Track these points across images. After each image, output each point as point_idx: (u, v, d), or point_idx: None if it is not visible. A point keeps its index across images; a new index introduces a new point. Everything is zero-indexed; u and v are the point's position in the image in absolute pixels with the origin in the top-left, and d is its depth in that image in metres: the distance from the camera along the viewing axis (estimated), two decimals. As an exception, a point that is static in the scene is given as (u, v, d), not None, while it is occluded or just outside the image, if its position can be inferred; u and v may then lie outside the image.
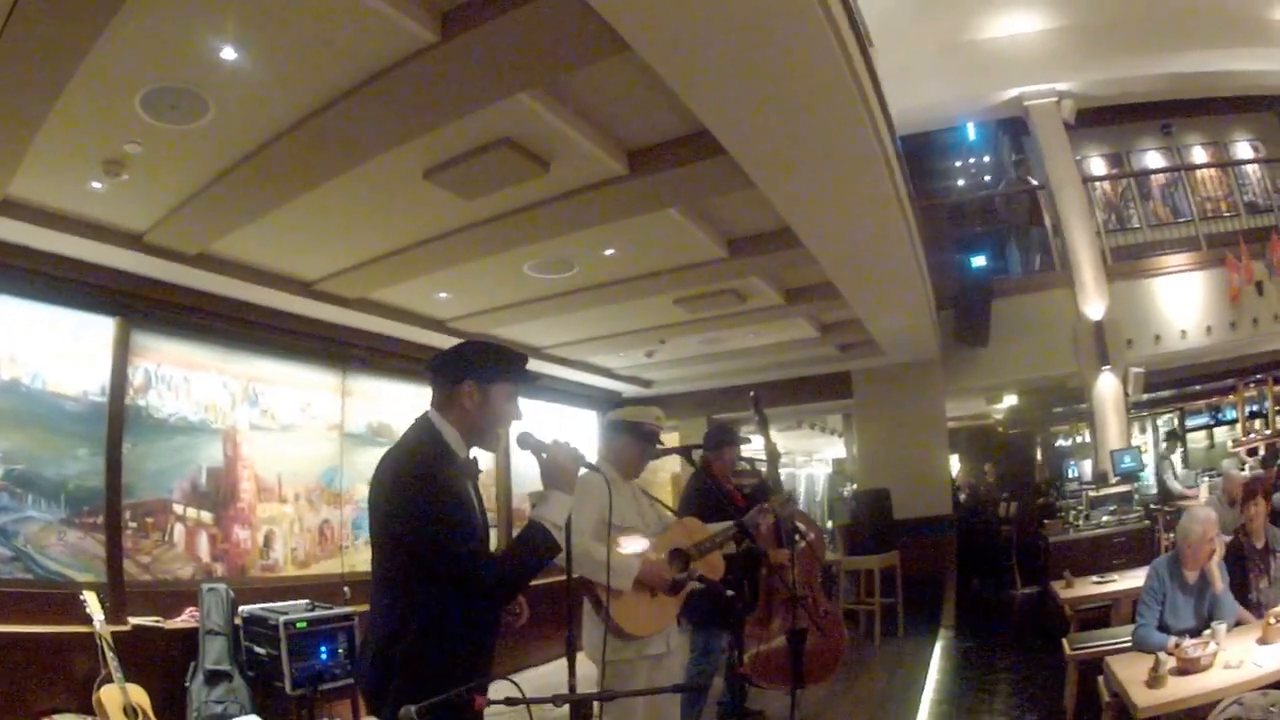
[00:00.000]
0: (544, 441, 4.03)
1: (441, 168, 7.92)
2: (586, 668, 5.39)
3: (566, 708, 3.39)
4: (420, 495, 3.71)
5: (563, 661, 4.24)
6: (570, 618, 4.09)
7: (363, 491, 4.05)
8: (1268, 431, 18.78)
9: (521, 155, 7.72)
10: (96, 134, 6.87)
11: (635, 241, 10.34)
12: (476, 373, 4.03)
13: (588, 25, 5.47)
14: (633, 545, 5.70)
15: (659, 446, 6.58)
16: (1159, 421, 22.56)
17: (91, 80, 5.91)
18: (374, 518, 3.95)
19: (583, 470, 4.13)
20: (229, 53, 5.90)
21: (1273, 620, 6.71)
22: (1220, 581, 7.32)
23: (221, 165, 7.57)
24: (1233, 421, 19.85)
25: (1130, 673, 6.71)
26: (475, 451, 4.14)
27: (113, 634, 8.35)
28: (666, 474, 14.22)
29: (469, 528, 3.82)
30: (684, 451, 7.15)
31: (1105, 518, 14.60)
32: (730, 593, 6.40)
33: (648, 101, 7.12)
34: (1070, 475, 21.70)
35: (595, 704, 3.47)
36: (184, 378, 10.32)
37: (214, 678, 9.08)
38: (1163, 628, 7.25)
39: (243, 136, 7.14)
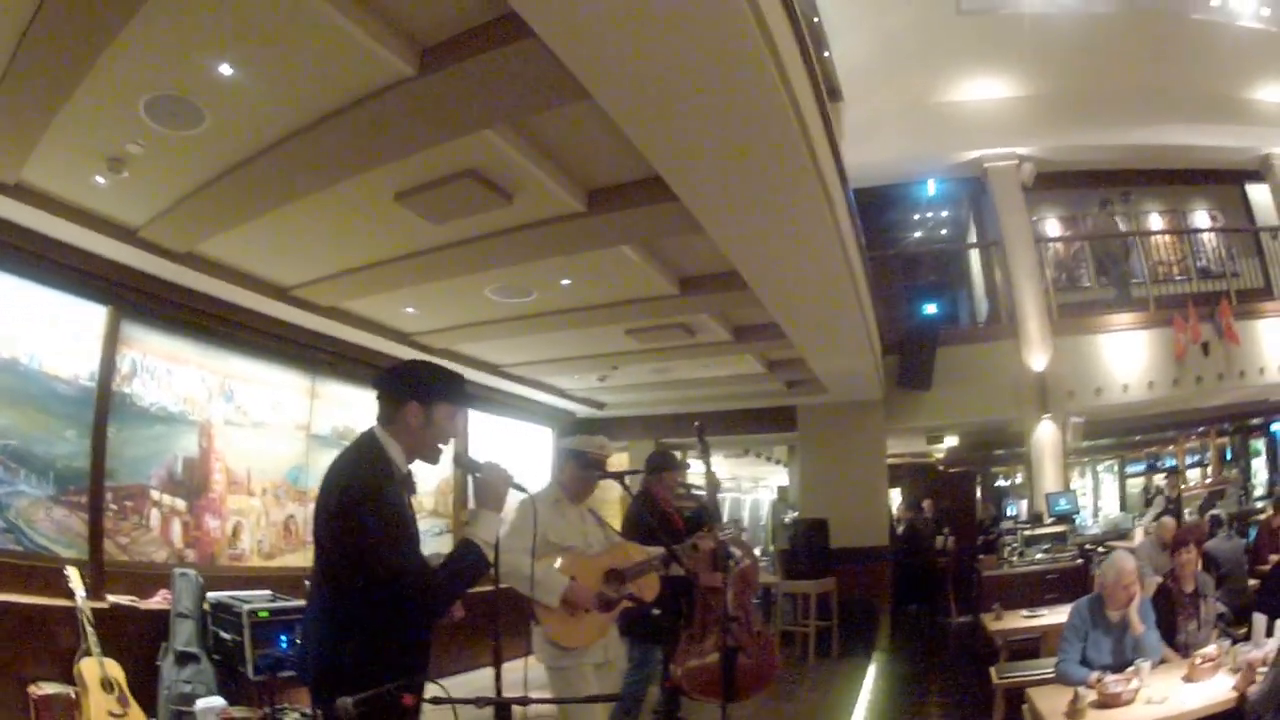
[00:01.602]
0: (478, 462, 4.38)
1: (411, 192, 8.31)
2: (537, 671, 6.03)
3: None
4: (365, 511, 3.96)
5: (516, 663, 4.78)
6: (497, 627, 4.25)
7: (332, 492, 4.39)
8: (1207, 480, 19.39)
9: (486, 187, 8.13)
10: (102, 132, 7.21)
11: (591, 274, 10.75)
12: (420, 393, 4.31)
13: (555, 73, 5.79)
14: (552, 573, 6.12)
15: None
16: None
17: (101, 83, 6.31)
18: (319, 524, 4.23)
19: (514, 494, 4.47)
20: (226, 69, 6.34)
21: (1198, 661, 6.90)
22: (1140, 624, 7.43)
23: (213, 172, 7.93)
24: (1172, 470, 20.28)
25: (1051, 705, 6.80)
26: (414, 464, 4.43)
27: (93, 610, 8.63)
28: (616, 494, 14.70)
29: (408, 542, 4.09)
30: (618, 477, 7.62)
31: (1039, 555, 15.00)
32: (656, 611, 6.95)
33: (608, 145, 7.41)
34: (1010, 513, 22.07)
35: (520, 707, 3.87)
36: (166, 370, 10.66)
37: (183, 659, 9.29)
38: (1085, 663, 7.35)
39: (234, 147, 7.52)
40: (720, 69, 5.87)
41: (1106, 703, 6.53)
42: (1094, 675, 6.91)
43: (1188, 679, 6.84)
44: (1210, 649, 7.02)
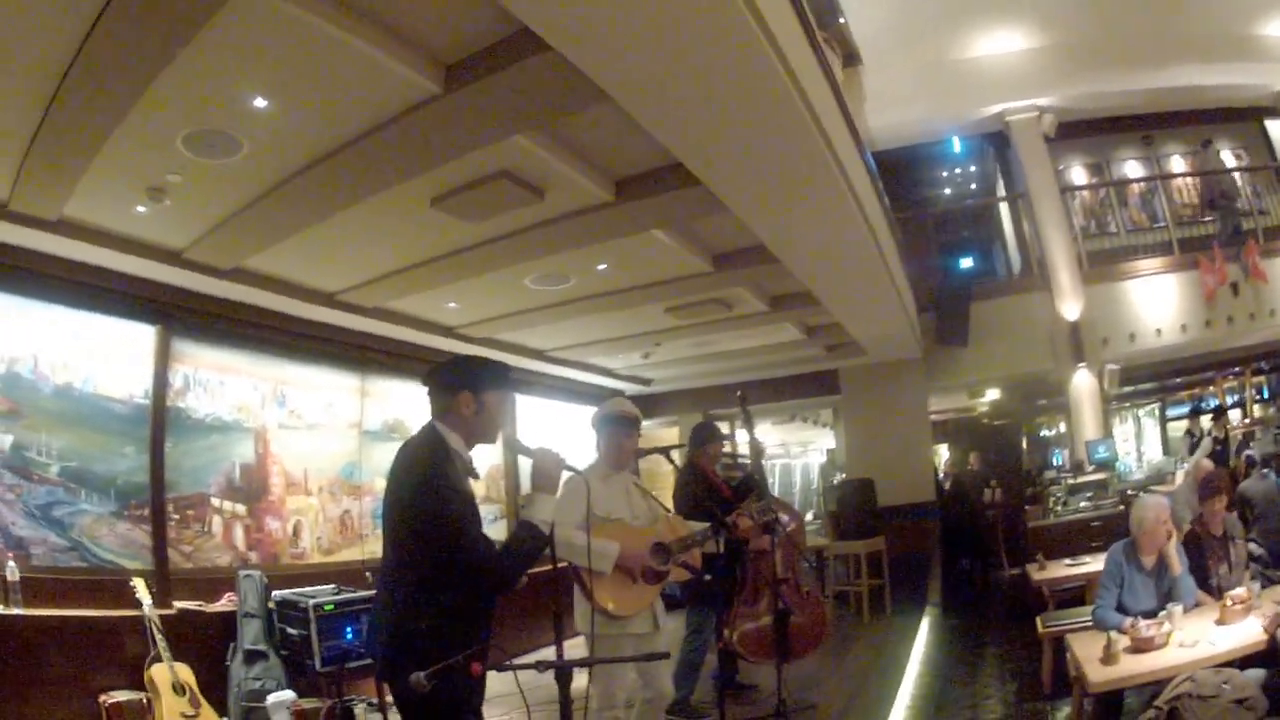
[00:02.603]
0: (529, 446, 4.67)
1: (447, 196, 8.53)
2: (581, 643, 6.18)
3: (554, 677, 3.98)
4: (437, 501, 4.30)
5: (575, 640, 5.00)
6: (557, 596, 4.52)
7: (381, 485, 4.54)
8: (1247, 420, 19.40)
9: (518, 186, 8.34)
10: (143, 166, 7.46)
11: (625, 258, 10.92)
12: (471, 384, 4.61)
13: (574, 79, 5.98)
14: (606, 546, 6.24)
15: (642, 449, 7.29)
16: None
17: (139, 123, 6.56)
18: (390, 514, 4.59)
19: (566, 473, 4.77)
20: (260, 101, 6.58)
21: (1229, 602, 6.94)
22: (1178, 565, 7.50)
23: (253, 194, 8.17)
24: (1218, 410, 20.15)
25: (1087, 650, 7.01)
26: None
27: (160, 617, 8.87)
28: (666, 468, 14.94)
29: (476, 526, 4.40)
30: (663, 452, 7.79)
31: (1082, 504, 15.16)
32: (708, 577, 7.09)
33: (630, 137, 7.53)
34: (1055, 463, 21.94)
35: (578, 671, 4.06)
36: (219, 381, 10.91)
37: (252, 657, 9.55)
38: (1122, 609, 7.44)
39: (271, 171, 7.76)
40: (721, 61, 6.04)
41: (1139, 647, 6.70)
42: (1128, 621, 7.00)
43: (1219, 622, 6.92)
44: (1240, 591, 7.08)
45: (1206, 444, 16.75)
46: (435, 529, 4.32)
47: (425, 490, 4.36)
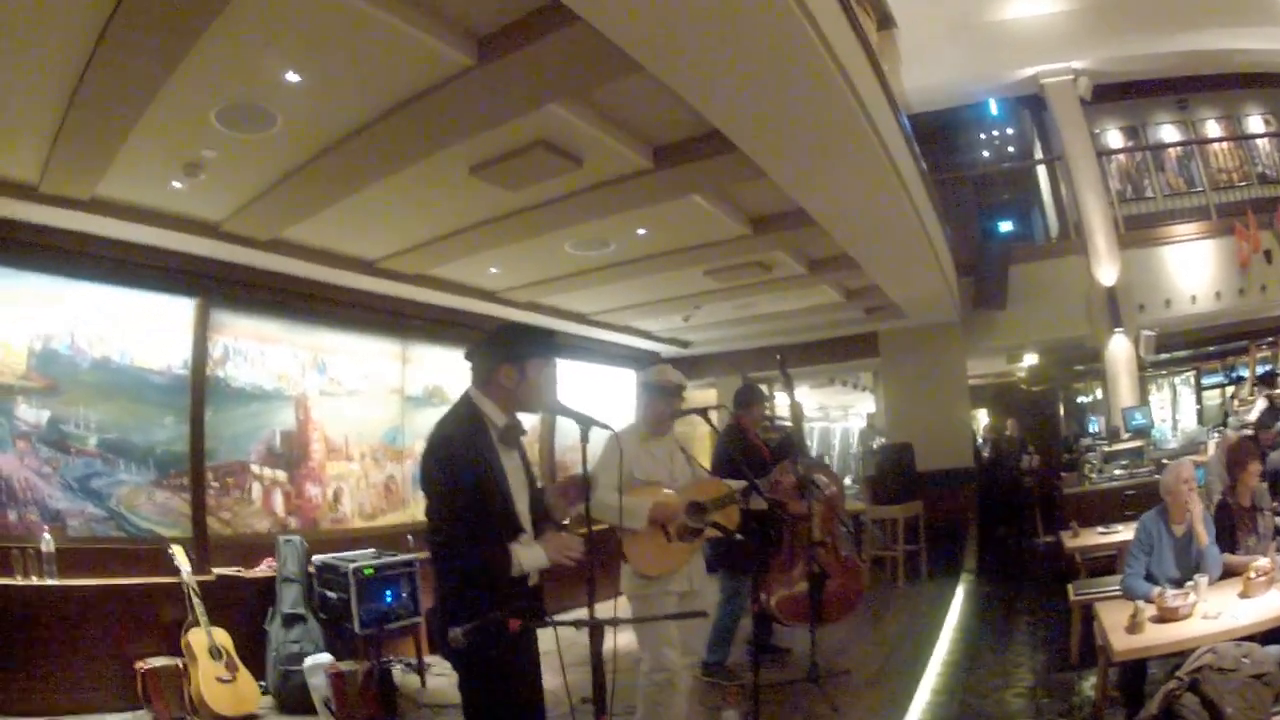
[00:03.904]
0: (568, 406, 4.75)
1: (485, 165, 8.53)
2: (624, 603, 6.35)
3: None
4: (436, 464, 4.49)
5: (608, 604, 5.08)
6: (590, 558, 4.61)
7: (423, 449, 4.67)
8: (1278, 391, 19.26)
9: (555, 154, 8.33)
10: (177, 143, 7.53)
11: (665, 223, 10.89)
12: (510, 356, 4.64)
13: (606, 49, 5.98)
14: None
15: (679, 409, 7.19)
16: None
17: (173, 99, 6.59)
18: (420, 480, 4.73)
19: (601, 431, 4.83)
20: (293, 76, 6.61)
21: (1252, 574, 6.87)
22: (1205, 536, 7.45)
23: (289, 166, 8.23)
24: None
25: (1114, 619, 6.96)
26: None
27: (199, 583, 9.11)
28: (705, 429, 15.06)
29: (490, 490, 4.49)
30: (700, 412, 7.83)
31: (1118, 471, 15.01)
32: (739, 537, 7.06)
33: (666, 104, 7.53)
34: (1092, 430, 21.76)
35: (612, 629, 4.15)
36: (258, 350, 11.03)
37: (290, 620, 9.73)
38: (1150, 578, 7.43)
39: (307, 143, 7.81)
40: (752, 28, 6.06)
41: (1165, 616, 6.70)
42: (1156, 590, 7.00)
43: (1243, 595, 6.89)
44: (1263, 562, 7.04)
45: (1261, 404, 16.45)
46: (430, 493, 4.54)
47: (429, 455, 4.54)
